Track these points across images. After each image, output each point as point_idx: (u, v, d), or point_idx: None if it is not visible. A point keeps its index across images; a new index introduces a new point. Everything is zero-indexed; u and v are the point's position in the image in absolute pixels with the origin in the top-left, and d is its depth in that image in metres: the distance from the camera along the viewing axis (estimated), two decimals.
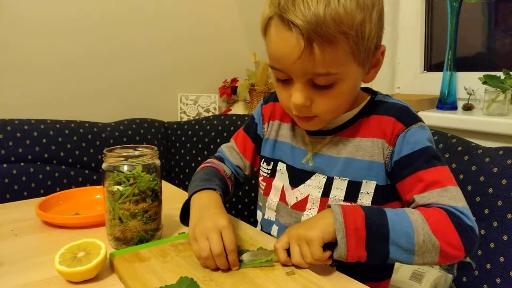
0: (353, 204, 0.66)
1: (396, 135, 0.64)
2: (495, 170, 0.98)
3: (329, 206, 0.61)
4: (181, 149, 1.53)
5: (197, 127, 1.54)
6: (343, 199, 0.67)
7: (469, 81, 1.35)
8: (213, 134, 1.53)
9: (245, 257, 0.62)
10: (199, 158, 1.52)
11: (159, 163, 0.72)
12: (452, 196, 0.60)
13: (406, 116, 0.65)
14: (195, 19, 1.70)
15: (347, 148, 0.68)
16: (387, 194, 0.66)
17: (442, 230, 0.57)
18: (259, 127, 0.82)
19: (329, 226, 0.57)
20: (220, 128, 1.53)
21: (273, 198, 0.76)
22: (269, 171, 0.78)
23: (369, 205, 0.66)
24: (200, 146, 1.52)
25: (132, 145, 0.73)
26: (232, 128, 1.52)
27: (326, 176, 0.69)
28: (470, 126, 1.23)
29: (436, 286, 0.99)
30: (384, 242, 0.56)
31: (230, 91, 1.73)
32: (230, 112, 1.72)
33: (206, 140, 1.53)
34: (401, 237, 0.56)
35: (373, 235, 0.56)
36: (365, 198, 0.66)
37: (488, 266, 0.97)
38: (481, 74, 1.27)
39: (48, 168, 1.26)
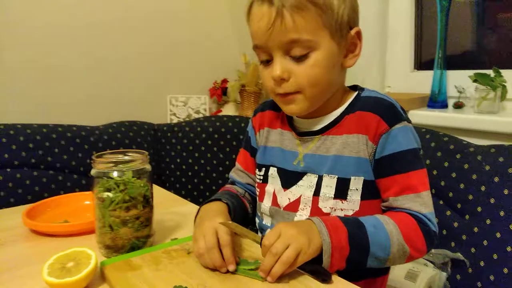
0: (342, 202, 0.67)
1: (379, 134, 0.66)
2: (487, 168, 0.99)
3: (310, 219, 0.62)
4: (172, 151, 1.51)
5: (187, 129, 1.52)
6: (333, 196, 0.68)
7: (459, 79, 1.36)
8: (203, 135, 1.51)
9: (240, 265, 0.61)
10: (190, 160, 1.50)
11: (150, 168, 0.70)
12: (423, 202, 0.65)
13: (390, 114, 0.66)
14: (184, 20, 1.69)
15: (335, 145, 0.69)
16: (375, 189, 0.68)
17: (413, 238, 0.63)
18: (253, 140, 0.84)
19: (316, 240, 0.58)
20: (210, 129, 1.51)
21: (266, 204, 0.76)
22: (262, 177, 0.78)
23: (359, 200, 0.67)
24: (190, 148, 1.51)
25: (121, 150, 0.72)
26: (223, 130, 1.51)
27: (317, 175, 0.70)
28: (461, 124, 1.23)
29: (431, 284, 0.99)
30: (364, 256, 0.61)
31: (220, 92, 1.72)
32: (220, 113, 1.71)
33: (197, 142, 1.51)
34: (379, 250, 0.61)
35: (355, 252, 0.60)
36: (355, 194, 0.67)
37: (482, 263, 0.97)
38: (471, 72, 1.28)
39: (35, 173, 1.23)
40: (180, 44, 1.68)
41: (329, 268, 0.58)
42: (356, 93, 0.72)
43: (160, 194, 1.03)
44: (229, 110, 1.72)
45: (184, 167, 1.50)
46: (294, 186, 0.72)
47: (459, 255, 0.99)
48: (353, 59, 0.69)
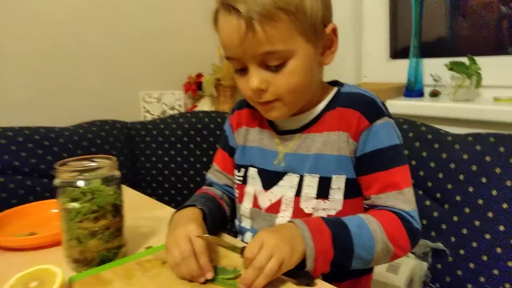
0: (325, 201, 0.66)
1: (360, 131, 0.64)
2: (465, 156, 0.98)
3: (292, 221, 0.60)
4: (147, 150, 1.46)
5: (162, 126, 1.48)
6: (315, 196, 0.66)
7: (434, 68, 1.35)
8: (179, 132, 1.47)
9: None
10: (166, 159, 1.46)
11: (119, 174, 0.66)
12: (405, 199, 0.63)
13: (371, 110, 0.65)
14: (156, 12, 1.62)
15: (316, 144, 0.67)
16: (358, 187, 0.67)
17: (397, 237, 0.61)
18: (231, 139, 0.81)
19: (299, 246, 0.56)
20: (186, 126, 1.47)
21: (246, 205, 0.74)
22: (241, 178, 0.76)
23: (341, 199, 0.66)
24: (166, 146, 1.46)
25: (87, 156, 0.67)
26: (199, 126, 1.47)
27: (298, 175, 0.68)
28: (438, 112, 1.23)
29: (413, 275, 0.99)
30: (349, 258, 0.59)
31: (195, 86, 1.67)
32: (196, 109, 1.66)
33: (173, 139, 1.46)
34: (364, 251, 0.59)
35: (339, 254, 0.58)
36: (337, 193, 0.66)
37: (462, 252, 0.97)
38: (445, 60, 1.28)
39: (1, 179, 1.17)
40: (152, 37, 1.61)
41: (313, 272, 0.57)
42: (336, 89, 0.70)
43: (133, 198, 0.99)
44: (204, 105, 1.68)
45: (160, 165, 1.46)
46: (275, 187, 0.69)
47: (439, 245, 0.99)
48: (331, 56, 0.67)
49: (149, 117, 1.60)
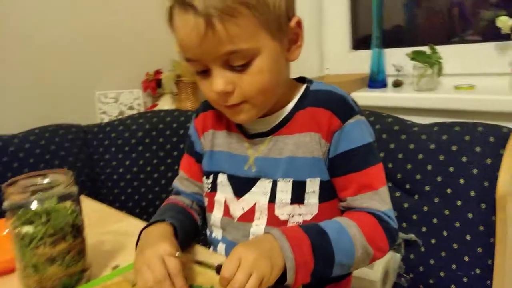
0: (300, 206, 0.63)
1: (332, 131, 0.62)
2: (432, 146, 0.99)
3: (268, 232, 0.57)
4: (106, 154, 1.38)
5: (121, 127, 1.40)
6: (289, 202, 0.63)
7: (394, 57, 1.36)
8: (140, 134, 1.39)
9: None
10: (127, 162, 1.38)
11: (77, 190, 0.60)
12: (381, 199, 0.62)
13: (343, 109, 0.62)
14: (109, 6, 1.52)
15: (288, 146, 0.64)
16: (332, 189, 0.65)
17: (375, 239, 0.60)
18: (197, 144, 0.76)
19: (279, 259, 0.53)
20: (147, 126, 1.40)
21: (217, 214, 0.70)
22: (210, 185, 0.71)
23: (317, 203, 0.63)
24: (127, 148, 1.39)
25: (39, 172, 0.60)
26: (161, 126, 1.41)
27: (271, 180, 0.65)
28: (402, 103, 1.24)
29: (388, 268, 0.99)
30: (329, 266, 0.57)
31: (154, 84, 1.59)
32: (157, 108, 1.59)
33: (133, 141, 1.39)
34: (344, 257, 0.58)
35: (320, 264, 0.56)
36: (312, 197, 0.63)
37: (433, 241, 0.98)
38: (406, 49, 1.29)
39: None
40: (106, 33, 1.52)
41: (294, 283, 0.54)
42: (304, 86, 0.67)
43: (94, 210, 0.92)
44: (165, 103, 1.61)
45: (121, 170, 1.38)
46: (247, 194, 0.66)
47: (412, 236, 1.00)
48: (297, 51, 0.64)
49: (106, 119, 1.51)
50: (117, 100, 1.53)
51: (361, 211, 0.62)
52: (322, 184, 0.63)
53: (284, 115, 0.65)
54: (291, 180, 0.63)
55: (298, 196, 0.63)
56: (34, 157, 1.25)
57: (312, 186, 0.63)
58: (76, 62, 1.46)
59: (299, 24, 0.62)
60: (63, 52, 1.42)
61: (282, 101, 0.66)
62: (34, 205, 0.55)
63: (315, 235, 0.56)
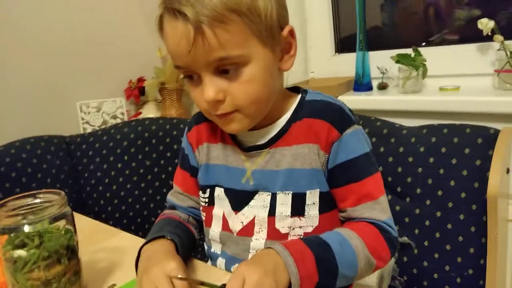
0: (300, 219, 0.62)
1: (331, 142, 0.61)
2: (421, 149, 1.00)
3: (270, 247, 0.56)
4: (90, 165, 1.34)
5: (105, 138, 1.36)
6: (290, 214, 0.62)
7: (379, 60, 1.37)
8: (125, 143, 1.36)
9: None
10: (113, 173, 1.35)
11: (70, 211, 0.58)
12: (381, 209, 0.63)
13: (340, 120, 0.62)
14: (89, 13, 1.48)
15: (286, 158, 0.63)
16: (332, 200, 0.64)
17: (377, 249, 0.60)
18: (191, 158, 0.74)
19: (283, 276, 0.52)
20: (132, 136, 1.37)
21: (215, 229, 0.68)
22: (207, 199, 0.70)
23: (317, 215, 0.63)
24: (111, 159, 1.35)
25: (29, 193, 0.58)
26: (146, 135, 1.38)
27: (270, 193, 0.64)
28: (389, 105, 1.25)
29: (383, 272, 0.99)
30: (333, 278, 0.56)
31: (137, 92, 1.56)
32: (141, 116, 1.56)
33: (118, 151, 1.36)
34: (347, 269, 0.57)
35: (324, 277, 0.55)
36: (312, 209, 0.63)
37: (426, 243, 0.99)
38: (390, 52, 1.30)
39: None
40: (86, 41, 1.48)
41: None
42: (299, 96, 0.66)
43: (83, 226, 0.88)
44: (149, 111, 1.58)
45: (107, 180, 1.35)
46: (246, 207, 0.65)
47: (405, 239, 1.01)
48: (290, 61, 0.63)
49: (89, 129, 1.47)
50: (99, 109, 1.49)
51: (361, 221, 0.62)
52: (322, 196, 0.63)
53: (280, 127, 0.64)
54: (291, 192, 0.62)
55: (298, 209, 0.62)
56: (15, 171, 1.20)
57: (312, 198, 0.62)
58: (56, 72, 1.42)
59: (291, 33, 0.62)
60: (43, 64, 1.38)
61: (277, 112, 0.65)
62: (26, 228, 0.52)
63: (317, 248, 0.56)
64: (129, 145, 1.36)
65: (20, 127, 1.31)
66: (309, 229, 0.62)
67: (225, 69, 0.56)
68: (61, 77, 1.43)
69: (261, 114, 0.62)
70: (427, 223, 0.99)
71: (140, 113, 1.59)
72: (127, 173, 1.36)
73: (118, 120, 1.51)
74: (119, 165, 1.35)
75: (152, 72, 1.59)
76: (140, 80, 1.58)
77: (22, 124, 1.33)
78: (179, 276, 0.53)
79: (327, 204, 0.63)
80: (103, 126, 1.47)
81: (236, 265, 0.65)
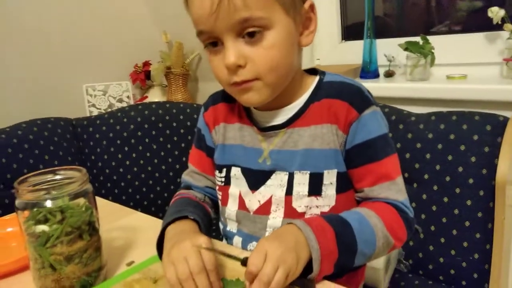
0: (317, 198, 0.63)
1: (349, 123, 0.62)
2: (430, 136, 1.01)
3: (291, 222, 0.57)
4: (96, 147, 1.35)
5: (111, 120, 1.36)
6: (307, 194, 0.63)
7: (385, 48, 1.37)
8: (132, 127, 1.36)
9: None
10: (120, 156, 1.35)
11: (91, 188, 0.58)
12: (398, 189, 0.63)
13: (359, 100, 0.62)
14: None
15: (303, 138, 0.63)
16: (348, 180, 0.65)
17: (395, 228, 0.60)
18: (208, 138, 0.74)
19: (304, 252, 0.53)
20: (139, 119, 1.37)
21: (232, 208, 0.69)
22: (223, 179, 0.70)
23: (334, 195, 0.63)
24: (118, 142, 1.36)
25: (49, 169, 0.58)
26: (153, 118, 1.38)
27: (287, 173, 0.64)
28: (396, 93, 1.25)
29: (390, 255, 1.01)
30: (352, 257, 0.57)
31: (143, 76, 1.56)
32: (147, 100, 1.56)
33: (125, 134, 1.36)
34: (366, 247, 0.58)
35: (344, 255, 0.56)
36: (329, 189, 0.63)
37: (433, 228, 1.00)
38: (397, 40, 1.29)
39: None
40: (93, 25, 1.47)
41: (318, 274, 0.54)
42: (317, 77, 0.66)
43: (98, 205, 0.89)
44: (155, 95, 1.58)
45: (113, 163, 1.35)
46: (263, 187, 0.65)
47: None
48: (310, 36, 0.62)
49: (95, 112, 1.48)
50: (105, 92, 1.49)
51: (379, 201, 0.62)
52: (339, 176, 0.63)
53: (298, 108, 0.64)
54: (308, 172, 0.63)
55: (315, 188, 0.63)
56: (23, 152, 1.20)
57: (330, 178, 0.63)
58: (63, 57, 1.41)
59: (312, 8, 0.62)
60: (51, 47, 1.37)
61: (295, 92, 0.65)
62: (48, 203, 0.53)
63: (338, 226, 0.56)
64: (136, 129, 1.36)
65: (27, 109, 1.31)
66: (326, 209, 0.63)
67: (248, 32, 0.56)
68: (68, 60, 1.43)
69: (280, 86, 0.62)
70: (434, 208, 1.00)
71: (146, 97, 1.58)
72: (133, 156, 1.36)
73: (124, 104, 1.51)
74: (126, 148, 1.36)
75: (157, 57, 1.58)
76: (146, 64, 1.57)
77: (29, 106, 1.33)
78: (206, 247, 0.54)
79: (344, 184, 0.64)
80: (109, 109, 1.47)
81: (254, 243, 0.66)
